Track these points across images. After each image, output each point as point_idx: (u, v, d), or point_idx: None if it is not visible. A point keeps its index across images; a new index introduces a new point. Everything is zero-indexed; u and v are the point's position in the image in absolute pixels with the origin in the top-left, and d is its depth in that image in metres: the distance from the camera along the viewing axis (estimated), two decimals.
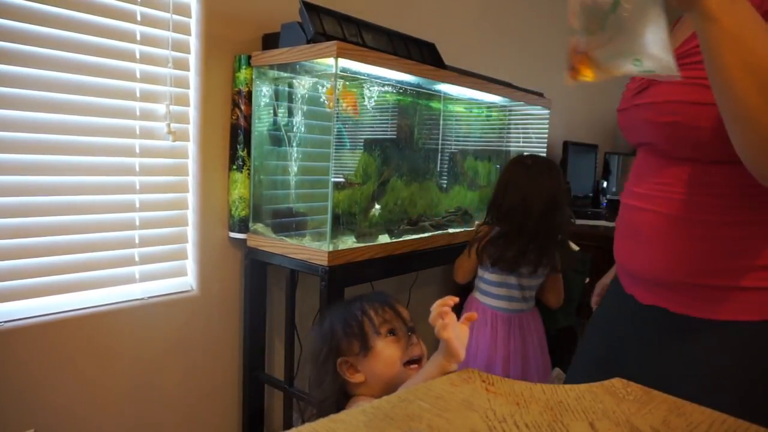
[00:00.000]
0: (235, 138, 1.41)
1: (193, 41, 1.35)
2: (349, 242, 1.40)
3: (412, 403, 0.39)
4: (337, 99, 1.29)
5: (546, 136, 2.21)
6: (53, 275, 1.17)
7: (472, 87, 1.72)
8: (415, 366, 0.93)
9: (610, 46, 0.57)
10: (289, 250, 1.35)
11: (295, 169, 1.49)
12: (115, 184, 1.25)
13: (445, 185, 1.91)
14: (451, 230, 1.71)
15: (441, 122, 1.85)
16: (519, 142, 2.24)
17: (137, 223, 1.30)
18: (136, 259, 1.31)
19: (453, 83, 1.62)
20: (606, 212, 2.69)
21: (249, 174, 1.42)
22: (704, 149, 0.73)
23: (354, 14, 1.37)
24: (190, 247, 1.41)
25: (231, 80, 1.41)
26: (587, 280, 1.87)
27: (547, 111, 2.16)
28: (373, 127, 1.60)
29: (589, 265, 1.88)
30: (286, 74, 1.44)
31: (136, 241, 1.30)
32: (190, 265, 1.41)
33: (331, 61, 1.24)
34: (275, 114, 1.47)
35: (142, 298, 1.30)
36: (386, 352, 0.92)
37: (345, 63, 1.28)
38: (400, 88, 1.64)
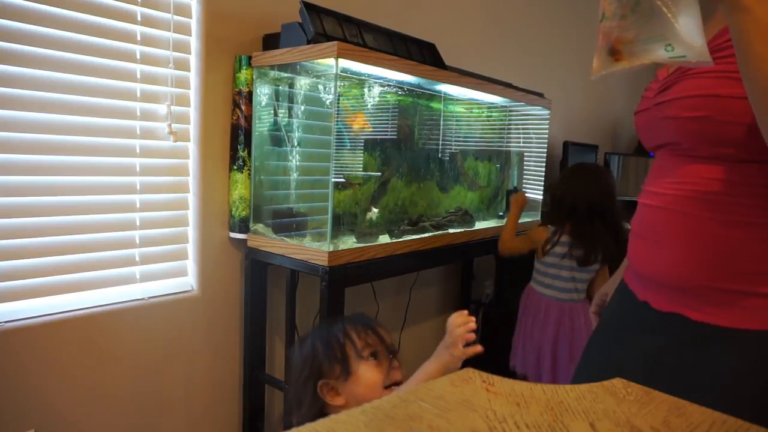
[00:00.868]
0: (235, 138, 1.41)
1: (194, 42, 1.35)
2: (349, 242, 1.40)
3: (412, 403, 0.39)
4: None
5: (546, 136, 2.21)
6: (54, 275, 1.17)
7: (473, 87, 1.72)
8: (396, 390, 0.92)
9: (642, 31, 0.56)
10: (289, 251, 1.35)
11: (296, 169, 1.49)
12: (115, 185, 1.25)
13: (445, 185, 1.91)
14: (451, 230, 1.71)
15: (441, 122, 1.85)
16: (519, 142, 2.25)
17: (138, 224, 1.30)
18: (137, 259, 1.31)
19: (453, 83, 1.62)
20: None
21: (249, 174, 1.42)
22: (731, 146, 0.69)
23: (354, 15, 1.37)
24: (191, 248, 1.41)
25: (231, 81, 1.41)
26: None
27: (547, 111, 2.16)
28: (373, 128, 1.60)
29: None
30: (286, 75, 1.44)
31: (137, 242, 1.30)
32: (191, 265, 1.41)
33: (331, 61, 1.24)
34: (276, 114, 1.47)
35: (143, 299, 1.30)
36: (367, 375, 0.90)
37: (345, 63, 1.28)
38: (401, 89, 1.64)
